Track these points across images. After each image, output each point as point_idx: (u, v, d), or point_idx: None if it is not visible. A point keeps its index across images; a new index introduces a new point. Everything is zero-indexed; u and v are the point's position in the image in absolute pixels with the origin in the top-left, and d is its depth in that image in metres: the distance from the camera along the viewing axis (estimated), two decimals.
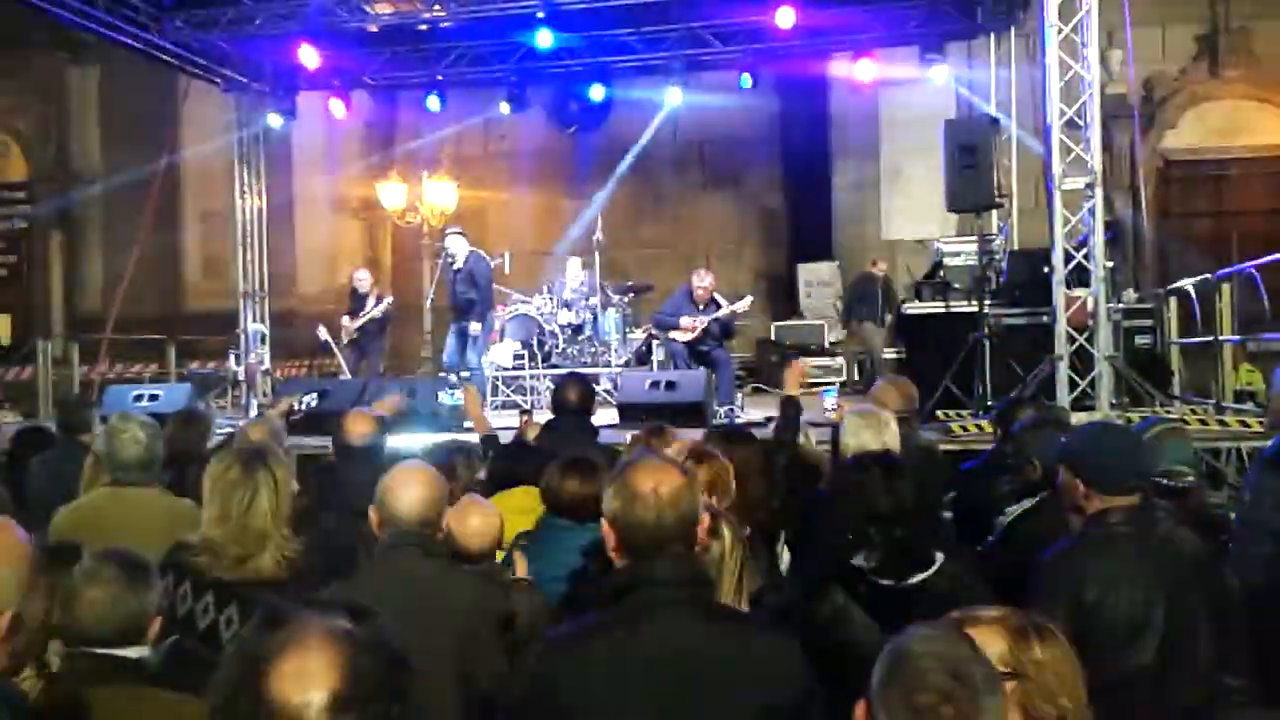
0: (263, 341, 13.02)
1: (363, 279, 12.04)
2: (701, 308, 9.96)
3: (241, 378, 12.66)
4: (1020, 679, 1.95)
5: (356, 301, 11.80)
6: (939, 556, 2.89)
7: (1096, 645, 2.73)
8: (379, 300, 11.72)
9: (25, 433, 6.43)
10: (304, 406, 8.87)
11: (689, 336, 9.87)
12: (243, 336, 12.87)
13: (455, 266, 10.82)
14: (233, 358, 12.96)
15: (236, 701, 1.31)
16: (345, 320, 11.71)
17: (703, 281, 10.06)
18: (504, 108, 13.16)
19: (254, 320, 12.97)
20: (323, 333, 11.83)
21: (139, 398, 9.22)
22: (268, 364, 13.03)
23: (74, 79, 18.10)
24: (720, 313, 9.84)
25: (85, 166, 18.18)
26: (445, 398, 9.13)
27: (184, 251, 17.69)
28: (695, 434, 4.51)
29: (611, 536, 2.25)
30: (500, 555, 3.58)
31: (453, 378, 10.34)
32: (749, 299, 10.17)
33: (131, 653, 2.42)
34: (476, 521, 3.46)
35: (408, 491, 2.93)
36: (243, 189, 12.98)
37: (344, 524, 3.72)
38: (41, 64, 17.74)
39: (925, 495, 3.07)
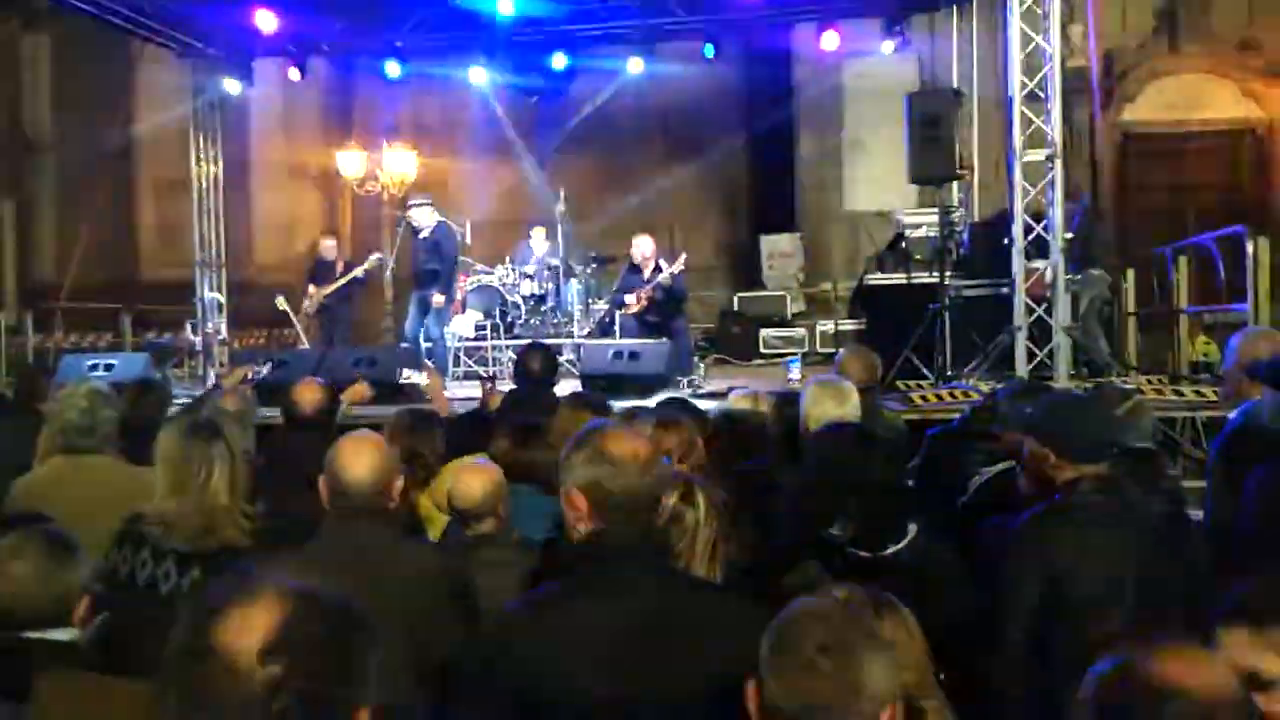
0: (220, 311, 12.86)
1: (329, 247, 11.96)
2: (647, 276, 9.97)
3: (198, 348, 12.54)
4: None
5: (324, 269, 11.69)
6: (912, 527, 2.90)
7: (1066, 614, 2.76)
8: (348, 267, 11.63)
9: None
10: (258, 375, 8.80)
11: (636, 308, 9.92)
12: (199, 306, 12.71)
13: (422, 236, 10.75)
14: (189, 327, 12.82)
15: (186, 648, 1.33)
16: (311, 288, 11.60)
17: (638, 248, 10.07)
18: (469, 75, 13.02)
19: (210, 290, 12.80)
20: (281, 302, 11.72)
21: (94, 367, 9.10)
22: (225, 334, 12.89)
23: (26, 46, 17.70)
24: (660, 277, 9.87)
25: (37, 134, 17.81)
26: (411, 376, 9.07)
27: (139, 220, 17.39)
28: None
29: (583, 504, 2.19)
30: None
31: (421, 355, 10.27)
32: (682, 257, 10.17)
33: (61, 635, 2.30)
34: (472, 480, 3.48)
35: (357, 461, 2.88)
36: (199, 157, 12.77)
37: (296, 495, 3.68)
38: None
39: (896, 466, 3.07)
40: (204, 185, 12.81)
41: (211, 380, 10.93)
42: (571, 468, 2.23)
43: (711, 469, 3.57)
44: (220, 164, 12.94)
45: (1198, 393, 7.67)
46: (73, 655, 2.30)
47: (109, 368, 9.04)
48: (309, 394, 4.70)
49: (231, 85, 12.39)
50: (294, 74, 12.55)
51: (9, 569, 2.30)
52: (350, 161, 15.88)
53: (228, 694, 1.28)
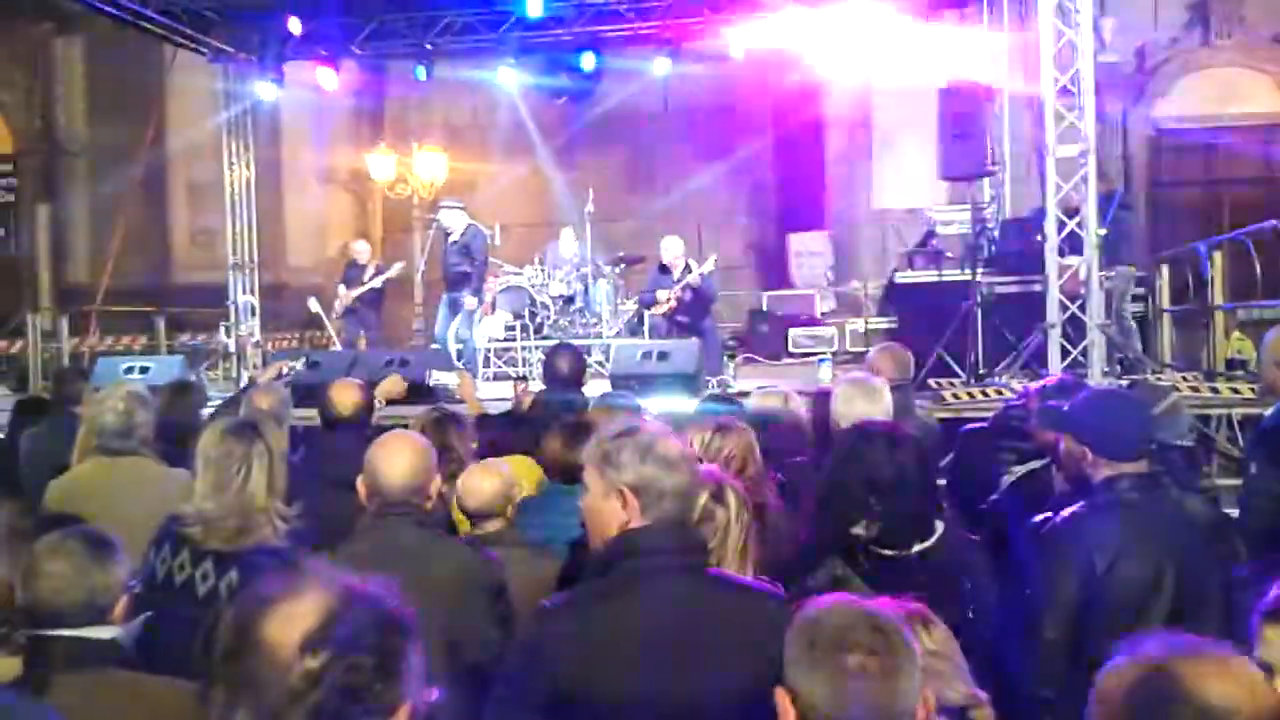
0: (253, 313, 12.96)
1: (362, 250, 12.10)
2: (677, 276, 9.98)
3: (232, 350, 12.64)
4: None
5: (354, 272, 11.82)
6: (939, 526, 2.88)
7: (1104, 614, 2.72)
8: (378, 271, 11.73)
9: (25, 404, 6.42)
10: (292, 371, 8.88)
11: (664, 309, 9.92)
12: (233, 309, 12.82)
13: (452, 239, 10.82)
14: (223, 330, 12.93)
15: (231, 641, 1.35)
16: (341, 290, 11.71)
17: (668, 251, 10.07)
18: (495, 77, 13.05)
19: (244, 292, 12.90)
20: (313, 304, 11.81)
21: (130, 370, 9.16)
22: (258, 336, 12.98)
23: (59, 49, 17.88)
24: (689, 278, 9.87)
25: (71, 138, 17.99)
26: (442, 376, 9.14)
27: (172, 223, 17.54)
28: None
29: (635, 502, 2.19)
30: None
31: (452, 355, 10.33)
32: (712, 259, 10.17)
33: (102, 633, 2.30)
34: (481, 481, 3.49)
35: (395, 461, 2.90)
36: (231, 160, 12.88)
37: (332, 496, 3.69)
38: (26, 34, 17.52)
39: (925, 464, 3.03)
40: (236, 189, 12.92)
41: (245, 382, 11.01)
42: (620, 466, 2.21)
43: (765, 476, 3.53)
44: (252, 167, 13.05)
45: (1233, 389, 7.58)
46: (111, 653, 2.31)
47: (144, 370, 9.10)
48: (346, 395, 4.68)
49: (263, 89, 12.46)
50: (326, 79, 12.62)
51: (47, 567, 2.30)
52: (381, 164, 15.97)
53: (270, 686, 1.29)
